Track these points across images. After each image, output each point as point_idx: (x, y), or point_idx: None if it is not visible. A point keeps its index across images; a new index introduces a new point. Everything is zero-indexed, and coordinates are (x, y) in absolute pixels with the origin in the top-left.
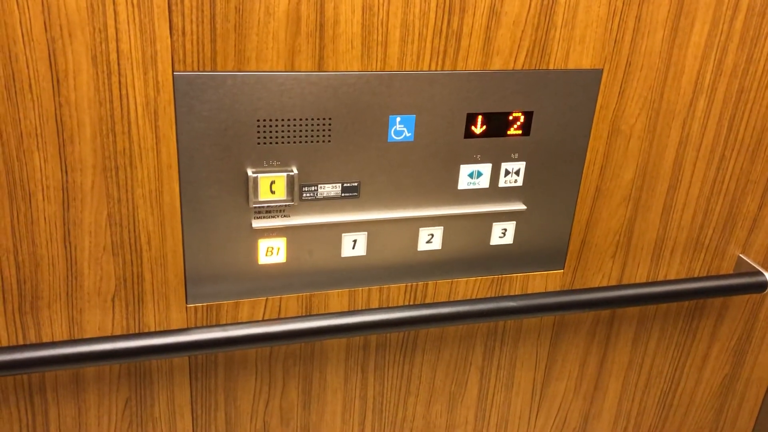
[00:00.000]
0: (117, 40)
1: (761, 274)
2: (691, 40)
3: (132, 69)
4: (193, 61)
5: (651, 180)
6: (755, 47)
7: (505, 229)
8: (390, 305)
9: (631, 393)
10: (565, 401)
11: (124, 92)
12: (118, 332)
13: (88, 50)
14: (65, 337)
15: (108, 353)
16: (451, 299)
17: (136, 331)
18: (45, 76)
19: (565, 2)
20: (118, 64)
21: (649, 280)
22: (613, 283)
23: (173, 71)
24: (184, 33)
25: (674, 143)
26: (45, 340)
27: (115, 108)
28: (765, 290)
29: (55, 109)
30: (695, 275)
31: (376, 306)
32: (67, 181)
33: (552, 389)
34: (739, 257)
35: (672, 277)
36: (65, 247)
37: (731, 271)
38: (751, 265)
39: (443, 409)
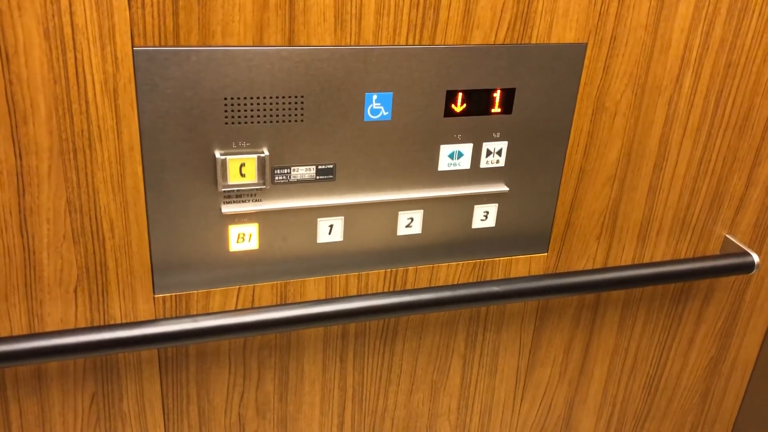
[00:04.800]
0: (71, 13)
1: (748, 254)
2: (677, 12)
3: (88, 44)
4: (154, 36)
5: (636, 159)
6: (743, 20)
7: (487, 212)
8: (369, 292)
9: (616, 378)
10: (549, 387)
11: (80, 69)
12: (81, 325)
13: (40, 24)
14: (25, 331)
15: (72, 347)
16: (432, 285)
17: (101, 323)
18: None
19: None
20: (73, 39)
21: (635, 263)
22: (598, 265)
23: (133, 46)
24: (143, 5)
25: (660, 120)
26: (3, 334)
27: (71, 86)
28: (752, 271)
29: (5, 88)
30: (681, 257)
31: (355, 293)
32: (21, 166)
33: (536, 375)
34: (726, 238)
35: (658, 258)
36: (22, 236)
37: (718, 252)
38: (737, 245)
39: (425, 398)
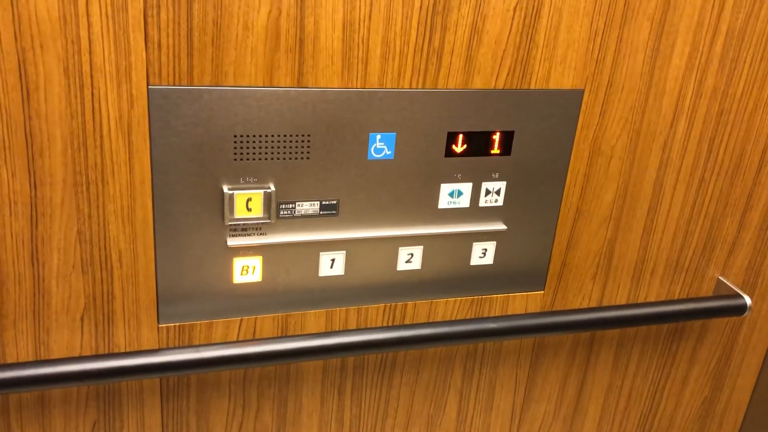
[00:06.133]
0: (90, 52)
1: (740, 296)
2: (671, 62)
3: (105, 82)
4: (168, 75)
5: (631, 201)
6: (734, 70)
7: (486, 249)
8: (368, 326)
9: (610, 416)
10: (544, 424)
11: (96, 105)
12: (86, 353)
13: (60, 62)
14: (31, 358)
15: (76, 374)
16: (431, 320)
17: (106, 352)
18: (14, 88)
19: (547, 22)
20: (91, 77)
21: (630, 302)
22: (593, 304)
23: (148, 85)
24: (159, 46)
25: (654, 165)
26: (9, 360)
27: (87, 121)
28: (744, 313)
29: (25, 122)
30: (675, 297)
31: (354, 327)
32: (35, 196)
33: (532, 412)
34: (719, 279)
35: (652, 299)
36: (33, 265)
37: (711, 294)
38: (730, 287)
39: None
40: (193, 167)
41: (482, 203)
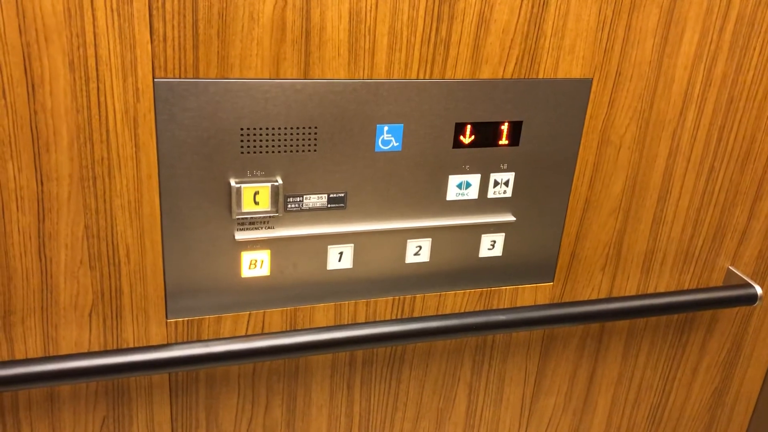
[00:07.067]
0: (95, 46)
1: (751, 286)
2: (680, 49)
3: (111, 75)
4: (174, 68)
5: (641, 191)
6: (744, 57)
7: (494, 241)
8: (377, 319)
9: (620, 408)
10: (554, 417)
11: (102, 99)
12: (95, 348)
13: (65, 55)
14: (39, 354)
15: (84, 370)
16: (440, 313)
17: (114, 347)
18: (20, 82)
19: (555, 11)
20: (97, 70)
21: (639, 293)
22: (602, 295)
23: (154, 78)
24: (165, 39)
25: (664, 154)
26: (18, 357)
27: (93, 115)
28: (755, 303)
29: (30, 117)
30: (685, 288)
31: (363, 320)
32: (42, 192)
33: (541, 405)
34: (729, 269)
35: (662, 289)
36: (40, 260)
37: (721, 284)
38: (740, 277)
39: (431, 426)
40: (199, 161)
41: (491, 194)
